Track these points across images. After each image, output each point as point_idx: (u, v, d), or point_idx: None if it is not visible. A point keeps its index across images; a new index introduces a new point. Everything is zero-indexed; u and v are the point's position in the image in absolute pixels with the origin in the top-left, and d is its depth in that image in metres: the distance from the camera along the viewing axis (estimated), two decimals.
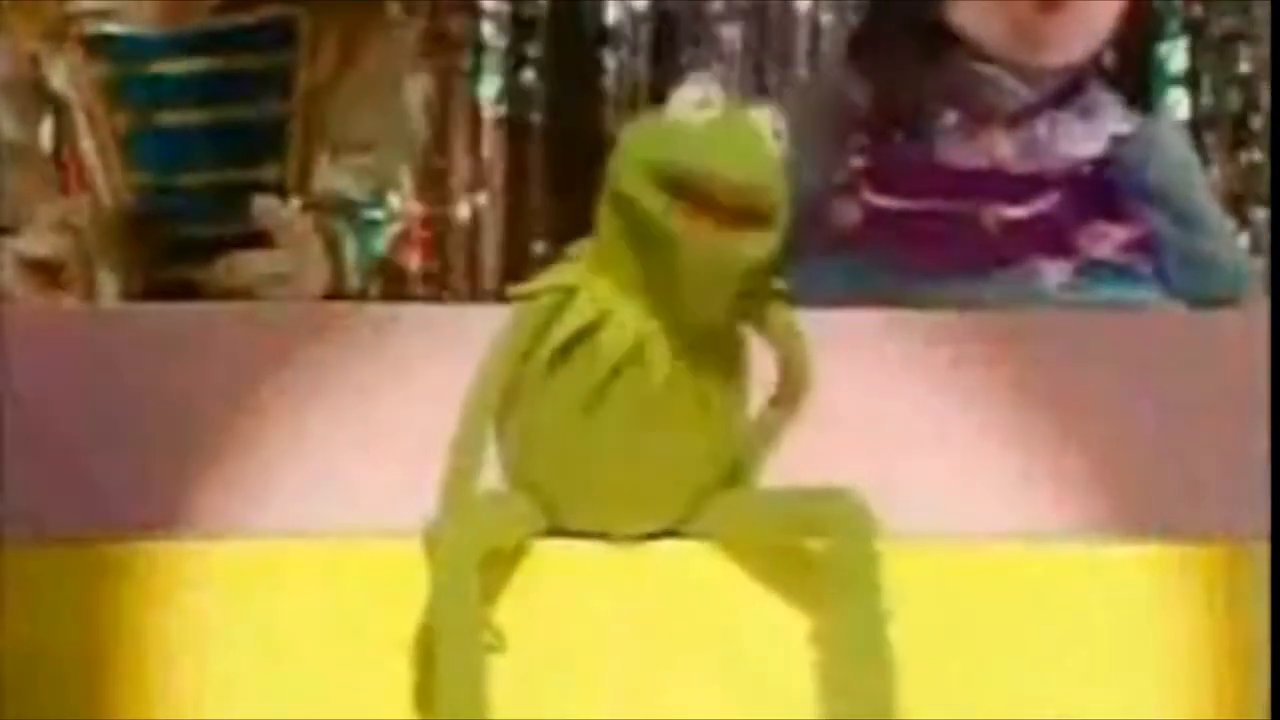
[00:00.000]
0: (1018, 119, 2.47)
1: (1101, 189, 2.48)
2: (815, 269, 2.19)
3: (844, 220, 2.46)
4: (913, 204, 2.50)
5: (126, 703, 1.65)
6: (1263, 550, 1.66)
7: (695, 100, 1.53)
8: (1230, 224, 2.76)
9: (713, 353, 1.59)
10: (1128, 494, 1.73)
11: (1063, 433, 1.77)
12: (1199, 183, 2.57)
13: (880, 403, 1.79)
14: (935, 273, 2.36)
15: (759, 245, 1.51)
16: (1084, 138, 2.50)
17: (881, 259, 2.43)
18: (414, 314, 2.05)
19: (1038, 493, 1.74)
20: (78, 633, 1.65)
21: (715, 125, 1.52)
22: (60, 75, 2.42)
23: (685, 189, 1.49)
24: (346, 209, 2.45)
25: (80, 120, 2.51)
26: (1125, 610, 1.63)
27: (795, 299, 1.60)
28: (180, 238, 2.47)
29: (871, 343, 1.84)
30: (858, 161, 2.49)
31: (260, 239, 2.45)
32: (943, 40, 2.51)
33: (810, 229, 2.27)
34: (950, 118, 2.50)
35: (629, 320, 1.56)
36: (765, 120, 1.54)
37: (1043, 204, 2.48)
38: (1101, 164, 2.49)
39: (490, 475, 1.59)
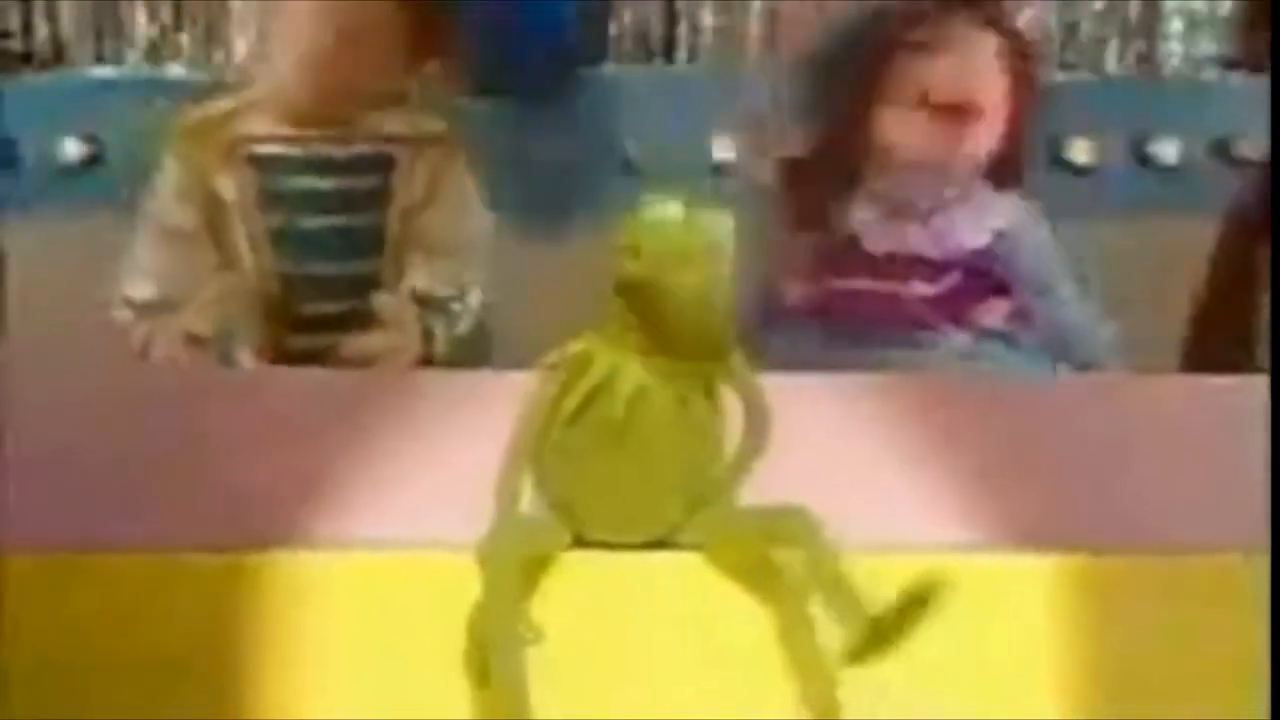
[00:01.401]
0: (927, 215, 2.82)
1: (988, 271, 2.83)
2: (764, 340, 2.57)
3: (788, 299, 2.82)
4: (844, 284, 2.86)
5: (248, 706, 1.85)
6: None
7: (664, 204, 1.81)
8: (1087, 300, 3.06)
9: (697, 404, 1.89)
10: (1025, 514, 2.10)
11: (969, 467, 2.08)
12: (1055, 263, 2.92)
13: (824, 443, 2.07)
14: (864, 341, 2.74)
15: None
16: (973, 230, 2.83)
17: (819, 330, 2.81)
18: (481, 378, 2.38)
19: (958, 507, 2.09)
20: (204, 638, 1.85)
21: (681, 219, 1.80)
22: (225, 184, 2.85)
23: (662, 257, 1.80)
24: (435, 301, 2.87)
25: (236, 219, 2.93)
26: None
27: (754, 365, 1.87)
28: (307, 316, 2.90)
29: (816, 399, 2.13)
30: (796, 251, 2.86)
31: (371, 320, 2.88)
32: (869, 153, 2.88)
33: (759, 307, 2.63)
34: (873, 214, 2.87)
35: (631, 378, 1.87)
36: (720, 217, 1.81)
37: (948, 283, 2.83)
38: (987, 251, 2.84)
39: (527, 500, 1.90)
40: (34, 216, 3.44)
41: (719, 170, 3.60)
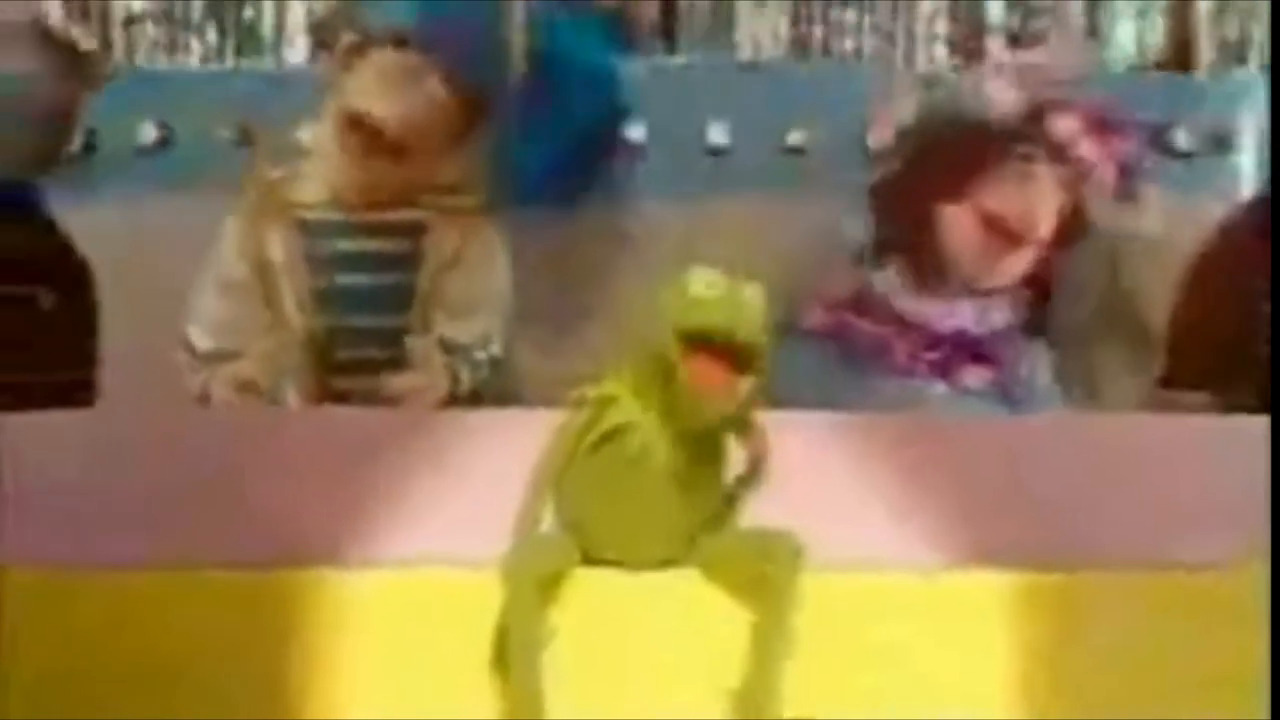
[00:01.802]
0: (948, 299, 3.11)
1: (978, 347, 3.10)
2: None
3: (807, 321, 3.09)
4: (859, 323, 3.14)
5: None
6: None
7: (706, 279, 2.04)
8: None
9: (703, 447, 2.12)
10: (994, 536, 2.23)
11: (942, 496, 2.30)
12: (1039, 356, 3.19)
13: (814, 472, 2.25)
14: (866, 372, 3.01)
15: (738, 394, 2.03)
16: (978, 323, 3.10)
17: (829, 351, 3.09)
18: (506, 415, 2.60)
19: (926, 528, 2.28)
20: (248, 652, 2.06)
21: (720, 296, 2.03)
22: (276, 245, 3.08)
23: (696, 343, 2.02)
24: (461, 349, 3.12)
25: (285, 276, 3.17)
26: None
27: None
28: (346, 361, 3.13)
29: (810, 433, 2.36)
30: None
31: (403, 364, 3.11)
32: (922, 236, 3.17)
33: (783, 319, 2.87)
34: (905, 280, 3.15)
35: (648, 424, 2.09)
36: (755, 293, 2.04)
37: (943, 351, 3.10)
38: (983, 338, 3.10)
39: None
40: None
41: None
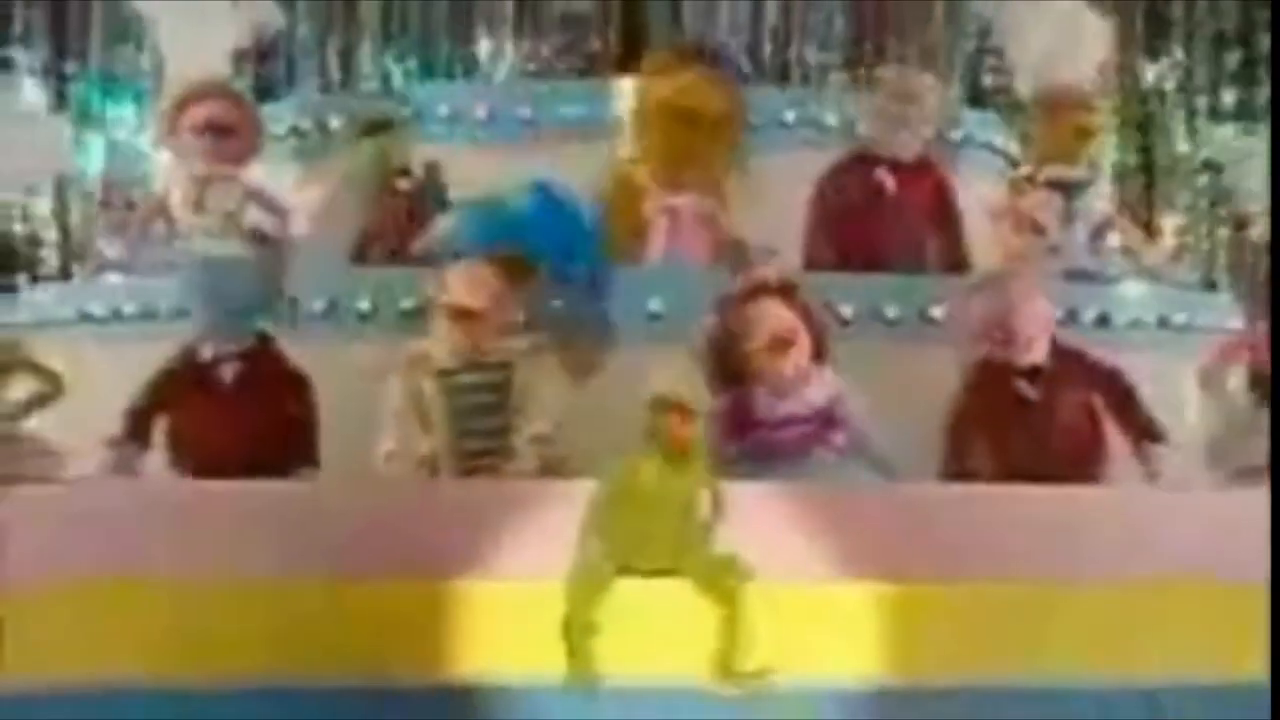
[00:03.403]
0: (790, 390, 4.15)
1: (830, 416, 4.16)
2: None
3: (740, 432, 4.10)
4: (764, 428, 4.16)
5: None
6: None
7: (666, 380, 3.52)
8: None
9: (689, 494, 3.48)
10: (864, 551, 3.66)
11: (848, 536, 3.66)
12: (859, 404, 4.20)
13: (752, 518, 3.55)
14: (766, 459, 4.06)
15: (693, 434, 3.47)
16: (816, 398, 4.17)
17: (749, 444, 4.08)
18: (567, 483, 3.74)
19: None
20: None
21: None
22: (421, 387, 4.08)
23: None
24: (544, 438, 4.02)
25: (427, 405, 4.08)
26: None
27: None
28: (468, 451, 4.18)
29: (758, 503, 3.60)
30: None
31: (508, 452, 4.07)
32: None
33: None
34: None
35: (659, 481, 3.46)
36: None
37: (813, 425, 4.16)
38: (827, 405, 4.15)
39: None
40: None
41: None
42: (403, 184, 4.93)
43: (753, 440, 4.09)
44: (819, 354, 4.19)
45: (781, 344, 4.13)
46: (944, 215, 4.95)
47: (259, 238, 4.70)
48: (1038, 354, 4.21)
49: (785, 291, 4.20)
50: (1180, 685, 3.58)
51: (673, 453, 3.48)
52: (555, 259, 4.18)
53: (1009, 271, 4.43)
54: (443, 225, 4.32)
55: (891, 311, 4.54)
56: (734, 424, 4.11)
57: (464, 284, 4.04)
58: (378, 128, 4.97)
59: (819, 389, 4.16)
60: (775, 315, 4.16)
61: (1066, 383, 4.23)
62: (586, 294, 4.20)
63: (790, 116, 5.15)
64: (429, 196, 4.85)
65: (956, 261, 4.90)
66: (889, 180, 4.87)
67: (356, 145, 5.00)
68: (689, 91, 4.83)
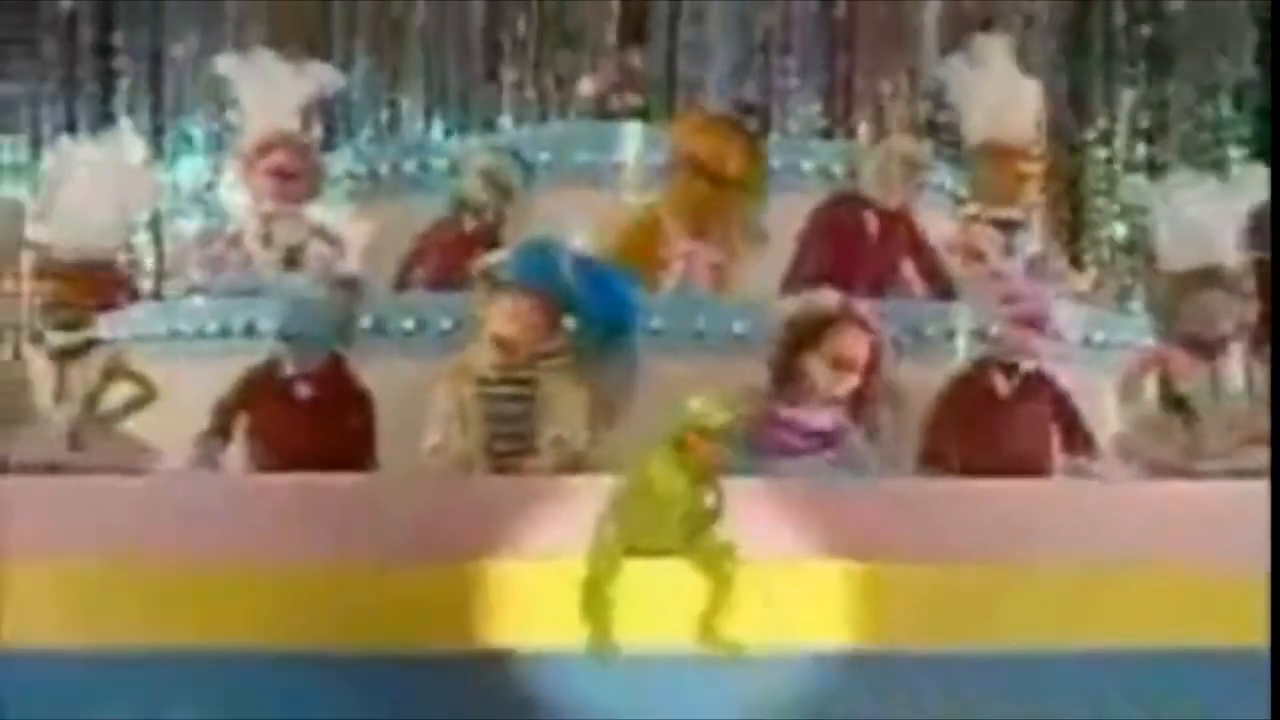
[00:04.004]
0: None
1: (830, 442, 3.98)
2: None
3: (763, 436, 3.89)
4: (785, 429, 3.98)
5: None
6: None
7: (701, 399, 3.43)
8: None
9: (699, 490, 3.39)
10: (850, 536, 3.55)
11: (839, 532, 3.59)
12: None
13: (751, 509, 3.46)
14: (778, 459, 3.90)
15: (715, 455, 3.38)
16: (819, 421, 4.09)
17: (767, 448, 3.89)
18: (586, 480, 3.67)
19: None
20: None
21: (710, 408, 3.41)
22: (462, 394, 3.95)
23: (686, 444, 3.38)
24: (564, 442, 3.88)
25: (468, 409, 3.96)
26: None
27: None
28: (499, 452, 4.06)
29: (753, 496, 3.50)
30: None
31: (534, 452, 4.15)
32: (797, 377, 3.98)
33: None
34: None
35: (672, 478, 3.38)
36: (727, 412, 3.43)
37: (816, 441, 4.00)
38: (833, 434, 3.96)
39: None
40: None
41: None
42: (470, 224, 4.83)
43: (766, 437, 3.90)
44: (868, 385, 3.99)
45: (848, 365, 3.93)
46: (919, 248, 4.79)
47: (344, 283, 4.47)
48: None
49: (864, 324, 3.99)
50: (1118, 652, 3.50)
51: (688, 461, 3.40)
52: (601, 333, 3.99)
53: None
54: (497, 256, 4.13)
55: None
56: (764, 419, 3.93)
57: (505, 316, 3.93)
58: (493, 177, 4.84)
59: (830, 415, 3.98)
60: (853, 338, 3.95)
61: (1031, 399, 4.12)
62: (619, 347, 4.01)
63: (776, 164, 4.90)
64: (487, 240, 4.67)
65: (945, 289, 4.78)
66: (873, 221, 4.71)
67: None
68: (720, 154, 4.60)
